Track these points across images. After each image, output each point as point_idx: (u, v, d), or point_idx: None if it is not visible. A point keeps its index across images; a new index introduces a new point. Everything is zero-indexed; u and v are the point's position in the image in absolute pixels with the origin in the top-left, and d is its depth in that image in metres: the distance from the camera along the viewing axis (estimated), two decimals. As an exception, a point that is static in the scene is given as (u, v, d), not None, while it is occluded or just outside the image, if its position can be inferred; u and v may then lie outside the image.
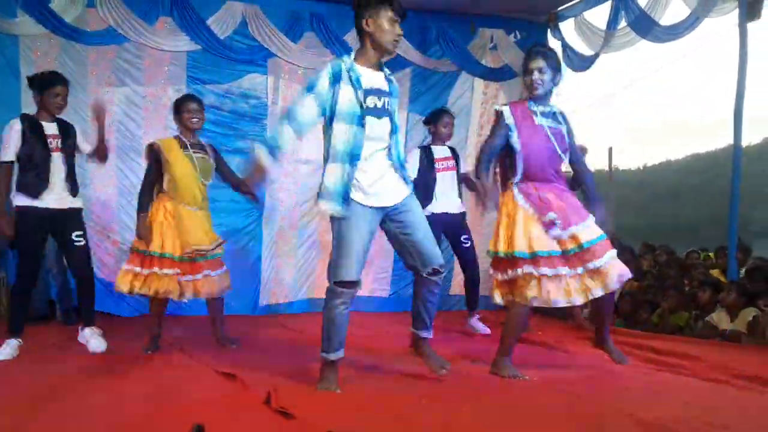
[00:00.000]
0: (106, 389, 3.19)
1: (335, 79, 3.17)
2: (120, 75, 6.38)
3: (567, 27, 7.34)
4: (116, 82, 6.37)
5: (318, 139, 7.21)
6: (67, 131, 4.37)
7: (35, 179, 4.18)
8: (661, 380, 3.54)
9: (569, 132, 3.73)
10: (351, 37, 6.91)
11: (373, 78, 3.26)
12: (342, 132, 3.16)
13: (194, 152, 4.52)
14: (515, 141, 3.58)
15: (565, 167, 3.80)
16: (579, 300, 3.54)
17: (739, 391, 3.28)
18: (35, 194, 4.17)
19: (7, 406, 2.82)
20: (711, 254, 6.98)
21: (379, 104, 3.22)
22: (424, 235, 3.30)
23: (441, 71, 7.34)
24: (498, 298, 3.67)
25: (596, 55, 6.82)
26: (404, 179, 3.33)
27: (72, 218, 4.32)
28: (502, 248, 3.60)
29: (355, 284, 3.20)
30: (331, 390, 3.11)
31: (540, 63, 3.61)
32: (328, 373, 3.19)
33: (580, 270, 3.52)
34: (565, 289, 3.50)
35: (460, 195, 5.54)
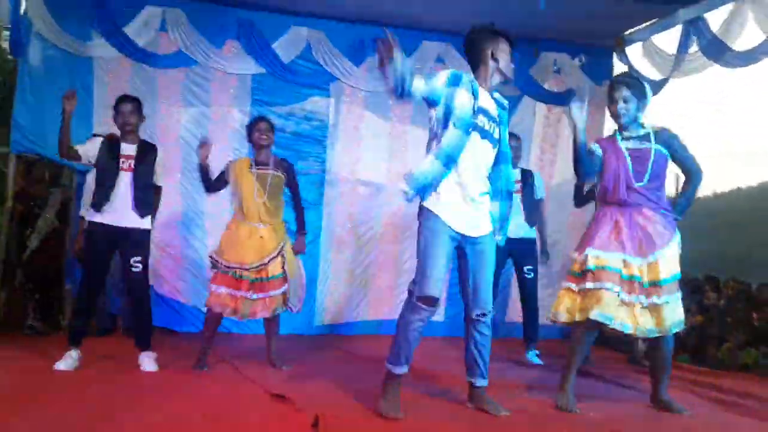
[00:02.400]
0: (161, 408, 3.24)
1: (454, 81, 3.26)
2: (188, 96, 6.58)
3: (634, 51, 7.19)
4: (183, 103, 6.57)
5: (377, 160, 7.31)
6: (145, 153, 4.51)
7: (101, 195, 4.36)
8: (724, 421, 3.38)
9: (665, 148, 3.63)
10: (412, 61, 6.94)
11: (487, 100, 3.37)
12: (452, 134, 3.21)
13: (259, 169, 4.67)
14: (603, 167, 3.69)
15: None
16: (629, 329, 3.44)
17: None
18: (98, 208, 4.35)
19: (65, 422, 2.89)
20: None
21: (488, 126, 3.31)
22: (487, 279, 3.36)
23: (504, 95, 7.28)
24: (561, 316, 3.61)
25: (665, 80, 6.64)
26: (495, 214, 3.39)
27: (134, 241, 4.40)
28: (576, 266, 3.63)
29: (437, 301, 3.25)
30: (392, 416, 3.09)
31: (624, 92, 3.67)
32: (391, 387, 3.22)
33: (641, 299, 3.45)
34: (621, 313, 3.43)
35: (531, 221, 5.46)
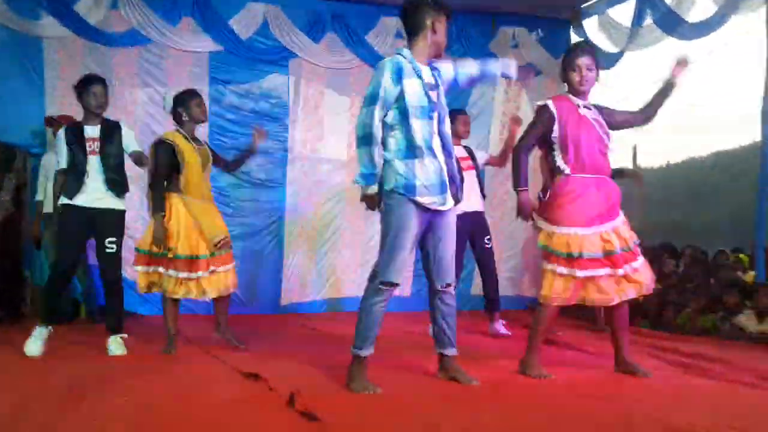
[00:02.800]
0: (133, 389, 3.21)
1: (398, 75, 3.22)
2: (143, 76, 6.44)
3: (590, 24, 7.27)
4: (139, 83, 6.42)
5: (339, 137, 7.28)
6: (110, 133, 4.38)
7: (73, 182, 4.28)
8: (689, 384, 3.49)
9: (608, 117, 3.67)
10: (372, 37, 6.91)
11: (427, 73, 3.34)
12: (420, 127, 3.21)
13: (198, 146, 4.51)
14: (562, 133, 3.57)
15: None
16: (616, 299, 3.53)
17: (765, 394, 3.22)
18: (71, 196, 4.28)
19: (35, 405, 2.84)
20: (741, 255, 6.84)
21: (434, 98, 3.30)
22: (451, 251, 3.39)
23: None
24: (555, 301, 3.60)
25: (621, 53, 6.74)
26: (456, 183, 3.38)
27: (109, 222, 4.34)
28: (544, 241, 3.60)
29: (397, 285, 3.29)
30: (369, 392, 3.10)
31: (589, 60, 3.60)
32: (358, 371, 3.21)
33: (620, 271, 3.51)
34: (601, 289, 3.49)
35: (483, 194, 5.53)
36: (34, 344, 4.18)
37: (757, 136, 5.69)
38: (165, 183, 4.39)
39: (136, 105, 6.42)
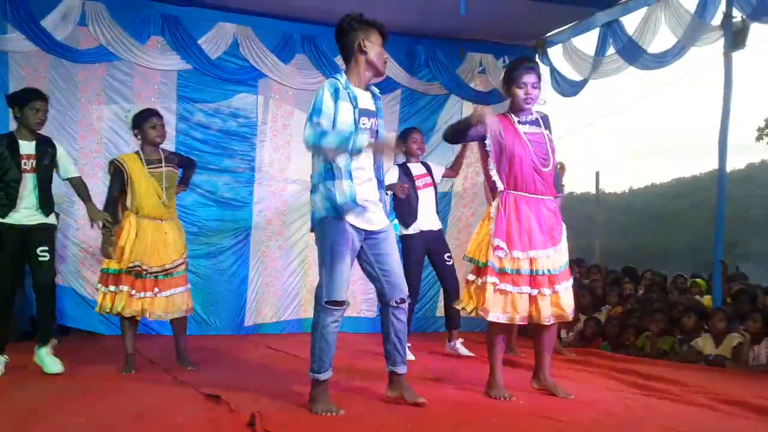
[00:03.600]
0: (93, 410, 3.15)
1: (335, 95, 3.22)
2: (109, 93, 6.39)
3: (555, 53, 7.45)
4: (106, 100, 6.38)
5: (307, 159, 7.30)
6: (44, 151, 4.31)
7: (3, 199, 4.15)
8: (645, 405, 3.55)
9: (550, 136, 3.68)
10: (341, 59, 6.95)
11: (364, 98, 3.33)
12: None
13: (154, 168, 4.47)
14: (495, 148, 3.57)
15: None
16: (522, 321, 3.57)
17: (722, 416, 3.29)
18: (3, 214, 4.15)
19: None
20: (699, 280, 6.99)
21: (368, 125, 3.30)
22: (396, 265, 3.38)
23: (430, 94, 7.41)
24: (464, 306, 3.65)
25: (585, 81, 6.92)
26: (384, 204, 3.41)
27: (40, 233, 4.24)
28: (473, 255, 3.63)
29: (345, 303, 3.26)
30: (333, 413, 3.09)
31: (533, 77, 3.61)
32: (319, 394, 3.19)
33: (535, 291, 3.55)
34: (512, 306, 3.52)
35: (438, 212, 5.61)
36: None
37: (716, 164, 5.86)
38: (120, 197, 4.47)
39: (101, 122, 6.36)
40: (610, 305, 6.42)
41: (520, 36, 7.45)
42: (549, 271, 3.55)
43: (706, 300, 6.07)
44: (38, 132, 4.33)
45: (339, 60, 6.91)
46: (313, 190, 3.30)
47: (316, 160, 3.28)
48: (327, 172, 3.22)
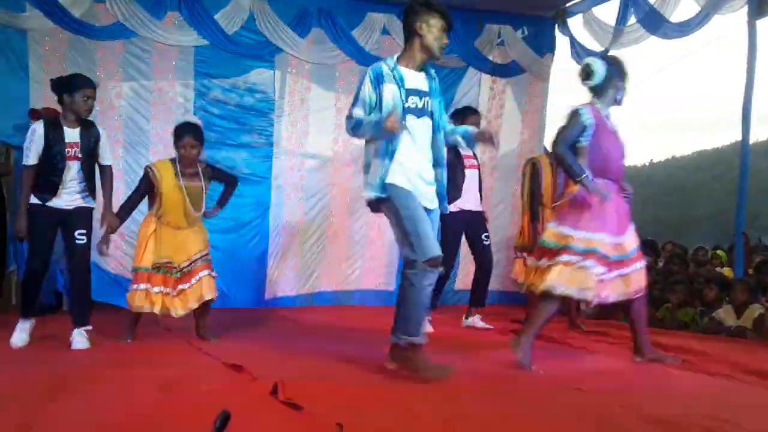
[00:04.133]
0: (115, 380, 3.22)
1: (377, 81, 3.33)
2: (128, 69, 6.41)
3: (575, 23, 7.34)
4: (124, 77, 6.40)
5: (324, 133, 7.30)
6: (89, 138, 4.30)
7: (47, 185, 4.18)
8: (667, 376, 3.55)
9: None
10: (358, 32, 6.93)
11: (414, 79, 3.42)
12: None
13: (186, 181, 4.49)
14: (592, 140, 3.69)
15: None
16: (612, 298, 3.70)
17: (744, 387, 3.29)
18: (44, 200, 4.19)
19: (18, 397, 2.84)
20: (719, 252, 6.95)
21: (420, 104, 3.39)
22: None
23: (448, 67, 7.35)
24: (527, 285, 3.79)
25: (605, 52, 6.80)
26: (437, 185, 3.48)
27: (80, 217, 4.28)
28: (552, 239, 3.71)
29: (440, 258, 3.27)
30: (446, 374, 3.15)
31: (598, 66, 3.75)
32: (422, 359, 3.23)
33: (614, 273, 3.66)
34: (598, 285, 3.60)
35: (481, 194, 5.59)
36: (18, 336, 4.22)
37: (738, 136, 5.78)
38: (139, 202, 4.58)
39: (120, 99, 6.39)
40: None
41: (539, 6, 7.35)
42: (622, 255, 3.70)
43: (727, 271, 6.02)
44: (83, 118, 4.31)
45: (356, 33, 6.92)
46: (367, 168, 3.41)
47: (368, 141, 3.42)
48: (384, 150, 3.32)
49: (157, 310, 4.42)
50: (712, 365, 3.74)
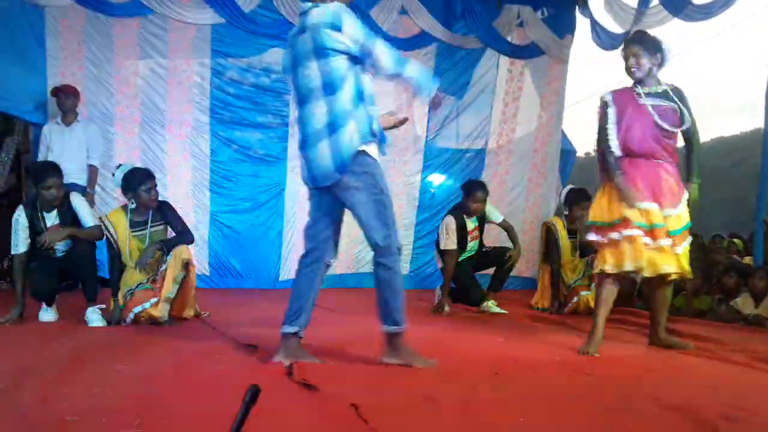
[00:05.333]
0: (133, 358, 3.23)
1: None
2: (144, 47, 6.40)
3: (596, 4, 7.23)
4: (140, 54, 6.39)
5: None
6: (65, 216, 4.34)
7: (36, 275, 4.31)
8: (683, 363, 3.52)
9: (682, 107, 3.72)
10: (376, 12, 6.86)
11: None
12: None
13: (135, 231, 4.37)
14: (617, 119, 3.67)
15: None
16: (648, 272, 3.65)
17: (760, 374, 3.25)
18: (34, 290, 4.33)
19: (36, 371, 2.86)
20: (736, 240, 6.87)
21: None
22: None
23: (466, 48, 7.27)
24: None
25: (626, 34, 6.69)
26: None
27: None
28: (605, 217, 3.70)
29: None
30: (431, 365, 3.05)
31: (634, 49, 3.66)
32: (406, 346, 3.11)
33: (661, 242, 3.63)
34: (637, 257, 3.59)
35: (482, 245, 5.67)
36: (46, 312, 4.34)
37: (759, 123, 5.68)
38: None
39: (137, 77, 6.39)
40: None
41: (559, -13, 7.25)
42: (671, 231, 3.64)
43: (747, 260, 5.95)
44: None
45: (373, 13, 6.85)
46: (339, 125, 2.94)
47: (343, 93, 2.94)
48: (359, 98, 2.98)
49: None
50: (729, 354, 3.70)
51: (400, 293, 3.08)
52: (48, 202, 4.29)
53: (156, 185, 4.42)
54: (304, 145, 3.09)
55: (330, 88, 2.94)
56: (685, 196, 3.74)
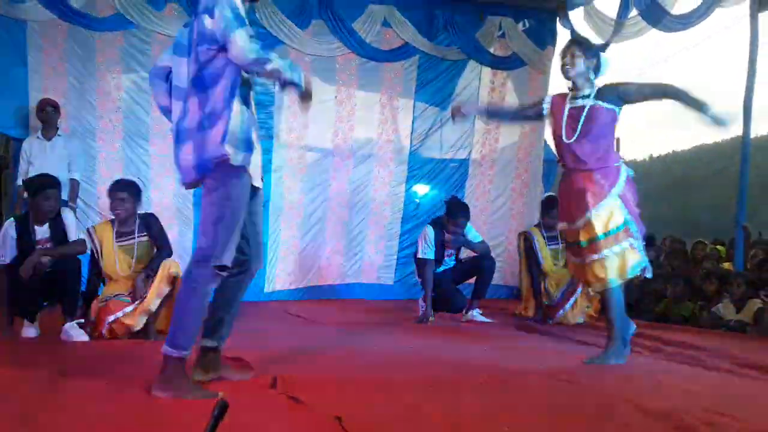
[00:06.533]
0: (113, 373, 3.20)
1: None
2: (127, 61, 6.39)
3: (576, 16, 7.31)
4: (123, 68, 6.38)
5: (325, 126, 7.28)
6: (57, 229, 4.33)
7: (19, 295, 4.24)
8: (665, 369, 3.55)
9: (611, 102, 3.58)
10: (358, 25, 6.91)
11: None
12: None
13: (121, 242, 4.40)
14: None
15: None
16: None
17: (742, 381, 3.28)
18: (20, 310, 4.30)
19: (18, 388, 2.84)
20: (719, 247, 6.95)
21: None
22: (260, 230, 3.10)
23: (449, 59, 7.32)
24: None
25: (606, 45, 6.78)
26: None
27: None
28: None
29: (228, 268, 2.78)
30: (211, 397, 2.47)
31: (572, 49, 3.64)
32: (183, 376, 2.69)
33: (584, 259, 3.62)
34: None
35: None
36: (29, 328, 4.28)
37: (738, 130, 5.76)
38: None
39: (120, 91, 6.37)
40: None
41: (540, -1, 7.33)
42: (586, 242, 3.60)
43: (727, 266, 6.02)
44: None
45: (356, 25, 6.89)
46: (208, 123, 2.69)
47: (215, 92, 2.73)
48: (231, 98, 2.75)
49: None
50: (711, 359, 3.74)
51: (191, 314, 2.72)
52: (44, 214, 4.30)
53: (123, 199, 4.37)
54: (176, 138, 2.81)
55: (202, 83, 2.72)
56: (607, 200, 3.53)
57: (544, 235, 5.55)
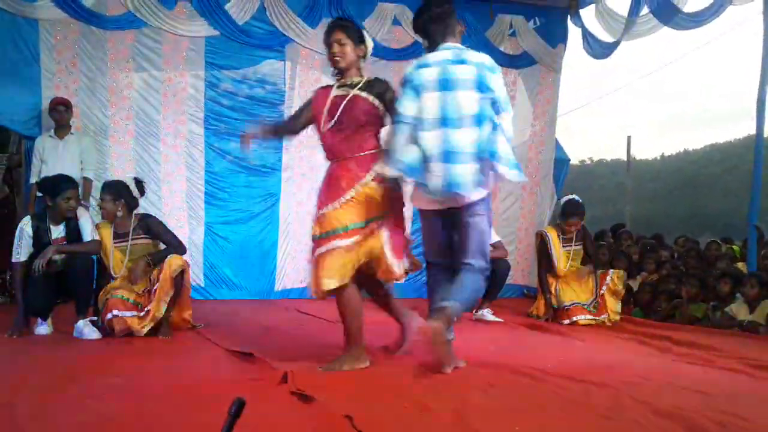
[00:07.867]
0: (125, 370, 3.22)
1: (415, 91, 3.49)
2: (138, 59, 6.41)
3: (588, 14, 7.29)
4: (135, 67, 6.41)
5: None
6: (72, 230, 4.38)
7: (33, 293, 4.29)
8: (677, 369, 3.52)
9: (377, 97, 3.40)
10: (369, 23, 6.90)
11: None
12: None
13: (117, 243, 4.43)
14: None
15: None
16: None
17: (755, 381, 3.26)
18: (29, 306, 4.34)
19: (29, 385, 2.86)
20: (734, 246, 6.90)
21: None
22: None
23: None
24: None
25: (617, 43, 6.76)
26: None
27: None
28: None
29: None
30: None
31: (338, 35, 3.35)
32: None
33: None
34: None
35: None
36: (42, 326, 4.34)
37: (751, 129, 5.71)
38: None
39: (131, 90, 6.40)
40: (646, 272, 6.34)
41: (551, -3, 7.30)
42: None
43: (741, 266, 5.97)
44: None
45: (366, 24, 6.88)
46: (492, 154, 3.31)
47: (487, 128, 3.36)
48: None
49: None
50: (724, 360, 3.72)
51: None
52: (63, 213, 4.34)
53: (105, 200, 4.42)
54: (449, 158, 3.27)
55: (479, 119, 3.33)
56: (350, 193, 3.39)
57: (560, 236, 5.54)
